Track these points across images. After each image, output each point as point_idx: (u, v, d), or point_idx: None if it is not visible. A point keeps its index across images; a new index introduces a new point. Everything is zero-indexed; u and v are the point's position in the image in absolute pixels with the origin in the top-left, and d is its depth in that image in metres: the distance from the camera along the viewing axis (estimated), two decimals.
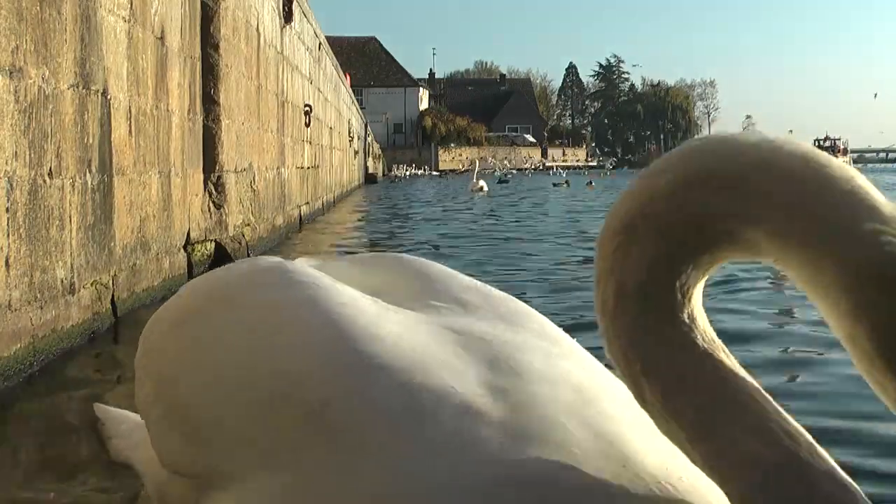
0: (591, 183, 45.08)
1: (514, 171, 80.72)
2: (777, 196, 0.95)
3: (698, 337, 1.03)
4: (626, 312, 1.03)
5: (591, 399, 1.17)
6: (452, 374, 1.17)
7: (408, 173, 74.96)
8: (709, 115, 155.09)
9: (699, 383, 1.00)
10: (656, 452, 1.09)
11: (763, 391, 1.02)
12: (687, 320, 1.04)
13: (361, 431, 1.12)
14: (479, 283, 1.50)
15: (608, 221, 1.06)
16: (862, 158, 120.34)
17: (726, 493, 0.97)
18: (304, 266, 1.46)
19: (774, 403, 1.01)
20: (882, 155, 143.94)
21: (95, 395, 3.97)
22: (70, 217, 4.96)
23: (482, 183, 34.24)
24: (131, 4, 6.21)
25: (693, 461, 1.02)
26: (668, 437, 1.03)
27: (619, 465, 1.07)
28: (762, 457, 0.97)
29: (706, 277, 1.06)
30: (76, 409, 3.80)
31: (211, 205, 8.88)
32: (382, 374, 1.16)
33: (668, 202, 1.01)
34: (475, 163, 42.41)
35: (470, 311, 1.37)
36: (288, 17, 14.75)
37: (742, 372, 1.03)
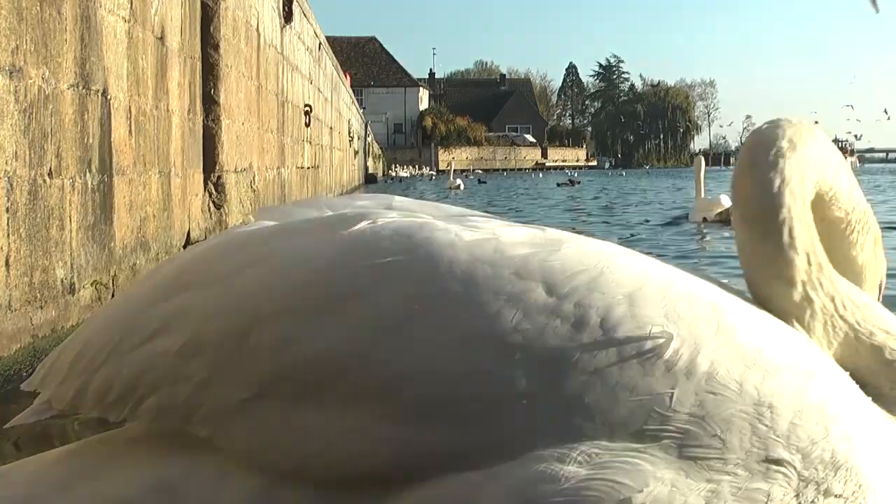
0: (576, 182, 45.75)
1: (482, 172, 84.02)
2: None
3: None
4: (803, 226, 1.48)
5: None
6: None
7: (410, 174, 74.94)
8: (709, 115, 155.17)
9: None
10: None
11: None
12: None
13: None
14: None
15: (771, 186, 1.49)
16: (863, 158, 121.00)
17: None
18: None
19: None
20: (882, 155, 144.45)
21: None
22: (70, 217, 4.96)
23: (458, 181, 38.01)
24: (131, 4, 6.21)
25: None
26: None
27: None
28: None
29: None
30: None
31: (211, 205, 8.88)
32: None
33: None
34: (451, 163, 49.57)
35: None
36: (288, 17, 14.75)
37: None
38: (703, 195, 15.11)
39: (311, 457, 1.23)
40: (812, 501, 1.30)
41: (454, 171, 44.36)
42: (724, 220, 13.62)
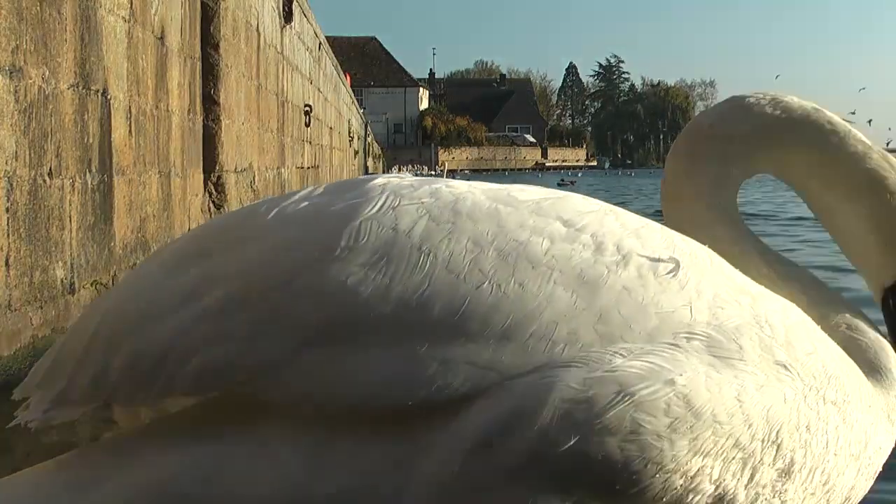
0: (568, 182, 46.58)
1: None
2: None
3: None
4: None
5: None
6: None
7: (412, 173, 75.35)
8: None
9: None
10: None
11: None
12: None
13: None
14: None
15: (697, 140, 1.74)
16: None
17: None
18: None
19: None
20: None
21: None
22: (70, 217, 4.96)
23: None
24: (131, 4, 6.21)
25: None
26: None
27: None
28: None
29: None
30: None
31: (211, 205, 8.89)
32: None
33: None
34: (445, 164, 53.67)
35: None
36: (288, 17, 14.76)
37: None
38: None
39: (366, 394, 1.27)
40: (816, 404, 1.45)
41: (447, 171, 48.40)
42: None
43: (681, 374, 1.31)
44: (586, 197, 1.48)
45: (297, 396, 1.29)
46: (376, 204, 1.36)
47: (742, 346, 1.38)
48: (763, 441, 1.38)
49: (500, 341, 1.28)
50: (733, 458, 1.35)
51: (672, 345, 1.33)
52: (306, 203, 1.41)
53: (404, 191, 1.39)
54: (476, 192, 1.40)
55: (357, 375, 1.27)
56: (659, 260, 1.39)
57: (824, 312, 1.64)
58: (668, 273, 1.38)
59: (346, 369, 1.27)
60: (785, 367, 1.41)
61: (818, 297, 1.67)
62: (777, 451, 1.39)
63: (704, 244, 1.60)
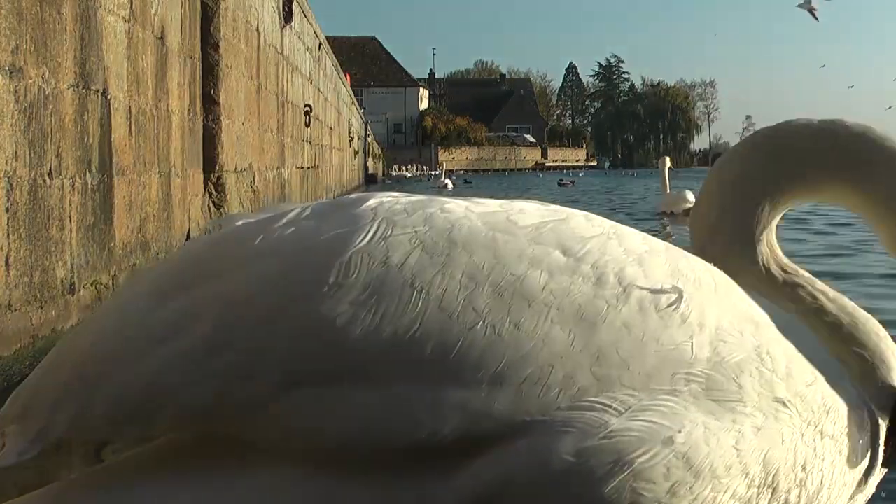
0: (567, 182, 47.00)
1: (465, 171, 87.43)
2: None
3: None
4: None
5: None
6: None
7: (413, 173, 75.50)
8: (709, 115, 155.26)
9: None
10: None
11: None
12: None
13: None
14: None
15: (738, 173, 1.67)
16: None
17: None
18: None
19: None
20: None
21: None
22: (70, 217, 4.96)
23: (447, 181, 42.90)
24: (131, 4, 6.21)
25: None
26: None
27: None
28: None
29: None
30: None
31: (211, 205, 8.89)
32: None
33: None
34: (443, 165, 57.09)
35: None
36: (288, 17, 14.76)
37: None
38: (668, 191, 18.54)
39: (353, 436, 1.21)
40: (813, 440, 1.41)
41: (445, 171, 51.78)
42: (689, 214, 15.73)
43: (679, 431, 1.26)
44: (590, 216, 1.42)
45: (283, 436, 1.24)
46: (367, 234, 1.29)
47: (742, 386, 1.33)
48: (759, 486, 1.34)
49: (493, 385, 1.22)
50: None
51: (670, 392, 1.27)
52: (294, 229, 1.33)
53: (397, 217, 1.31)
54: (472, 216, 1.33)
55: (344, 416, 1.22)
56: (661, 291, 1.33)
57: (829, 320, 1.60)
58: (670, 306, 1.32)
59: (333, 409, 1.22)
60: (784, 403, 1.38)
61: (825, 303, 1.63)
62: (772, 495, 1.36)
63: (727, 244, 1.60)
